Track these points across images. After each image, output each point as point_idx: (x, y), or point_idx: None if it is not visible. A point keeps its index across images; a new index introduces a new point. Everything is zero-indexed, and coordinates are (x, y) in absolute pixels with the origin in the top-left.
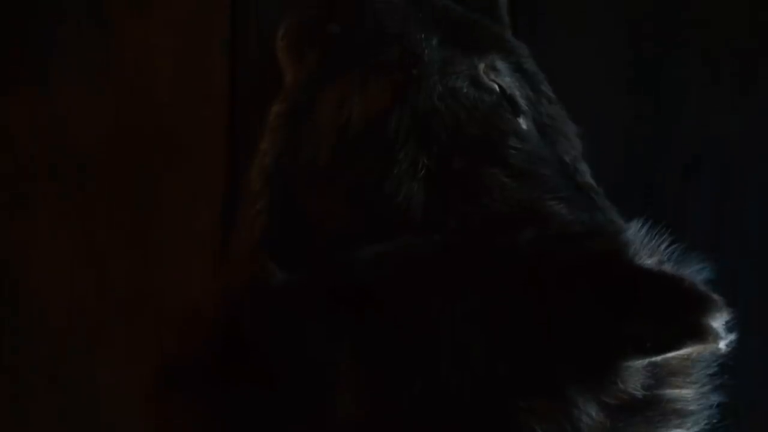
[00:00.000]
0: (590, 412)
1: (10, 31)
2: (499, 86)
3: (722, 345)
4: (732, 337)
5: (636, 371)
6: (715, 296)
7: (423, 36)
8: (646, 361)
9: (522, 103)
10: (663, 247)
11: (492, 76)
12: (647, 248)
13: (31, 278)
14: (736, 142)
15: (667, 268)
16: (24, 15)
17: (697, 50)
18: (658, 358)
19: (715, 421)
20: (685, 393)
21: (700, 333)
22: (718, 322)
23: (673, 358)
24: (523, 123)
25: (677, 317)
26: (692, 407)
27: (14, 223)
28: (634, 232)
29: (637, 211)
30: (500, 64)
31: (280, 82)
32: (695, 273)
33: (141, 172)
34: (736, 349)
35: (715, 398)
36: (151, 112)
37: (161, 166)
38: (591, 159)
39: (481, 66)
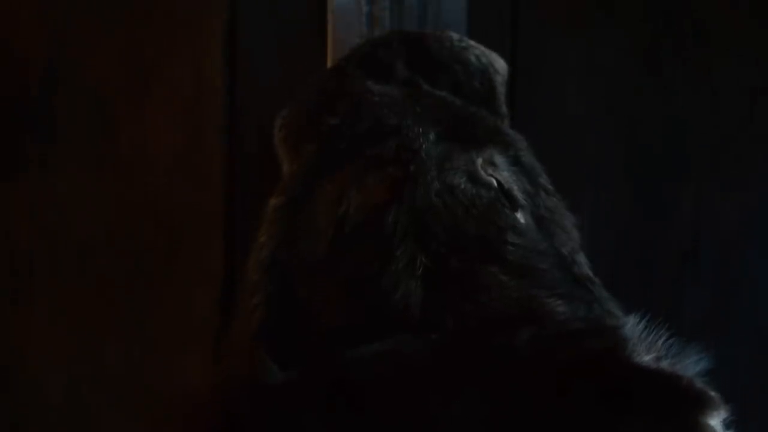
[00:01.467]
0: None
1: (11, 118)
2: (497, 181)
3: None
4: None
5: None
6: (713, 393)
7: (420, 130)
8: None
9: (520, 197)
10: (661, 341)
11: (490, 171)
12: (645, 343)
13: (29, 367)
14: (734, 230)
15: (665, 364)
16: (25, 102)
17: (696, 138)
18: None
19: None
20: None
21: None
22: (716, 419)
23: None
24: (521, 217)
25: (675, 416)
26: None
27: (11, 312)
28: (632, 326)
29: (636, 297)
30: (498, 158)
31: (277, 170)
32: (693, 365)
33: (139, 259)
34: None
35: None
36: (149, 200)
37: (160, 252)
38: (590, 246)
39: (479, 161)
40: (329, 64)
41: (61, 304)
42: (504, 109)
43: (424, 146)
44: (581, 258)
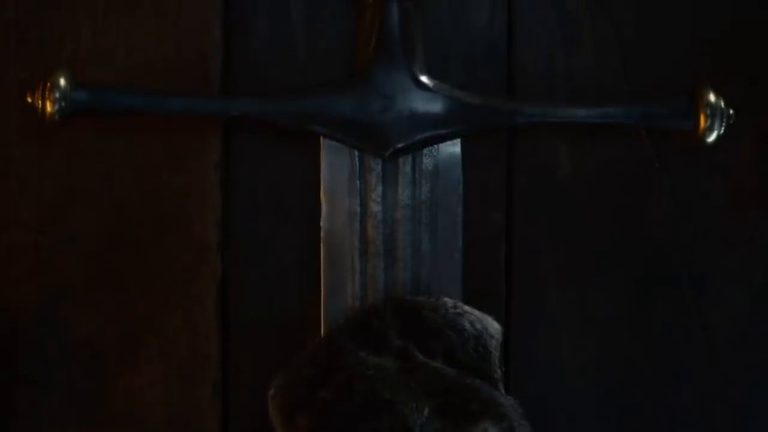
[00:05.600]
0: None
1: (3, 369)
2: None
3: None
4: None
5: None
6: None
7: (415, 406)
8: None
9: None
10: None
11: None
12: None
13: None
14: None
15: None
16: (17, 353)
17: (691, 390)
18: None
19: None
20: None
21: None
22: None
23: None
24: None
25: None
26: None
27: None
28: None
29: None
30: (493, 431)
31: None
32: None
33: None
34: None
35: None
36: None
37: None
38: None
39: None
40: (323, 327)
41: None
42: (498, 373)
43: (418, 422)
44: None
